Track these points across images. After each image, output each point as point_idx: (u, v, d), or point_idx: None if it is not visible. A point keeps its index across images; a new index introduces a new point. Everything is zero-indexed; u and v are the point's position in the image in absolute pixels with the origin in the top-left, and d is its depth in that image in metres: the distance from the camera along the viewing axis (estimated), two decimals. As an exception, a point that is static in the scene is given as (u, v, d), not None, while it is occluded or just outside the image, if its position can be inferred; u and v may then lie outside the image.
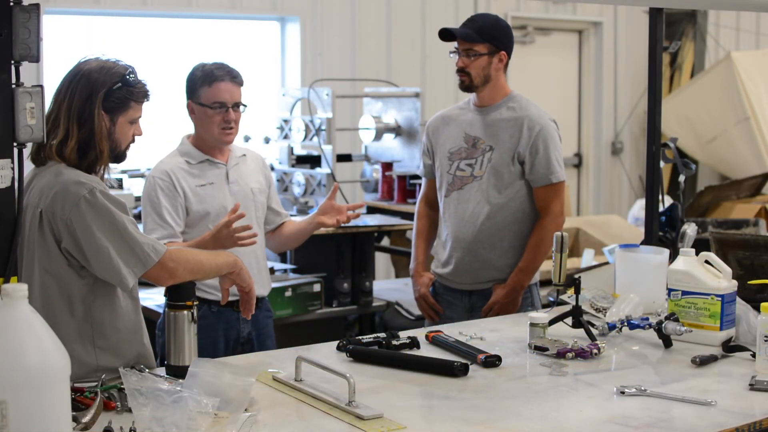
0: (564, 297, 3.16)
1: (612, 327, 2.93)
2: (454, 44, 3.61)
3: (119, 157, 2.65)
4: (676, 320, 2.85)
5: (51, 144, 2.51)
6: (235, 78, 3.49)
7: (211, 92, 3.45)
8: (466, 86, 3.62)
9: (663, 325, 2.84)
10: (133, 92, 2.59)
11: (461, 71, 3.60)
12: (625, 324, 2.92)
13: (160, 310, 3.82)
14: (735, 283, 2.92)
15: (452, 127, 3.71)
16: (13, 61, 2.09)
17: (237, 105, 3.48)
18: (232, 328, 3.56)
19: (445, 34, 3.60)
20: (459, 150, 3.67)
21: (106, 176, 2.66)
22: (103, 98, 2.53)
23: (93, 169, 2.57)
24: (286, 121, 5.47)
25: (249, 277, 2.70)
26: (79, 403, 2.16)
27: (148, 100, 2.65)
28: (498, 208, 3.60)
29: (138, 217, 4.81)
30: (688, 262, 2.95)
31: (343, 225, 3.50)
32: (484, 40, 3.56)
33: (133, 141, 2.66)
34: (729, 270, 2.92)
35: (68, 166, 2.52)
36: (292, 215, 5.15)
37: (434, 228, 3.83)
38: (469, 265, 3.65)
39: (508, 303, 3.58)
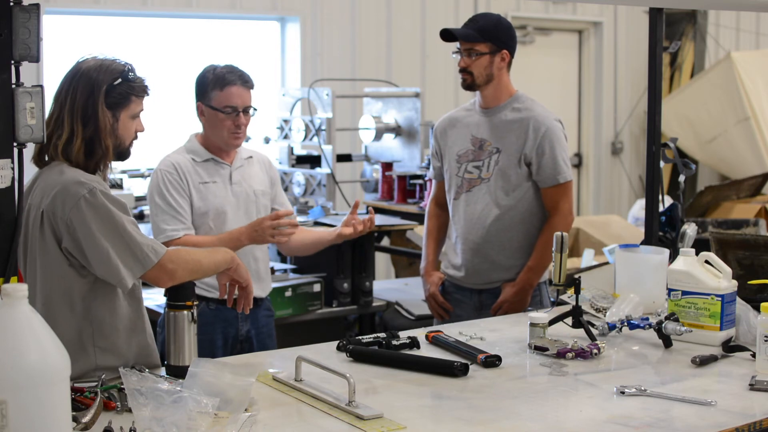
0: (564, 297, 3.16)
1: (612, 327, 2.93)
2: (456, 44, 3.61)
3: (124, 153, 2.66)
4: (676, 320, 2.85)
5: (56, 145, 2.52)
6: (246, 82, 3.50)
7: (223, 96, 3.45)
8: (468, 85, 3.62)
9: (663, 325, 2.84)
10: (134, 87, 2.60)
11: (463, 71, 3.60)
12: (625, 324, 2.92)
13: (161, 310, 3.82)
14: (735, 283, 2.92)
15: (459, 129, 3.72)
16: (13, 61, 2.09)
17: (247, 109, 3.49)
18: (231, 326, 3.56)
19: (446, 35, 3.60)
20: (466, 152, 3.67)
21: (109, 176, 2.66)
22: (105, 94, 2.54)
23: (99, 168, 2.58)
24: (286, 121, 5.47)
25: (246, 273, 2.71)
26: (79, 403, 2.16)
27: (148, 95, 2.66)
28: (506, 209, 3.60)
29: (139, 216, 4.82)
30: (688, 262, 2.95)
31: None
32: (485, 39, 3.56)
33: (135, 137, 2.67)
34: (729, 270, 2.91)
35: (74, 166, 2.52)
36: (292, 215, 5.15)
37: (444, 228, 3.84)
38: (478, 266, 3.66)
39: (518, 302, 3.59)
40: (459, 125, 3.73)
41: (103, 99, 2.54)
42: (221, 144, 3.51)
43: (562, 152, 3.60)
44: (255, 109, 3.53)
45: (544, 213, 3.63)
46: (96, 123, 2.53)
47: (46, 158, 2.56)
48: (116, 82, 2.55)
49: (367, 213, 3.57)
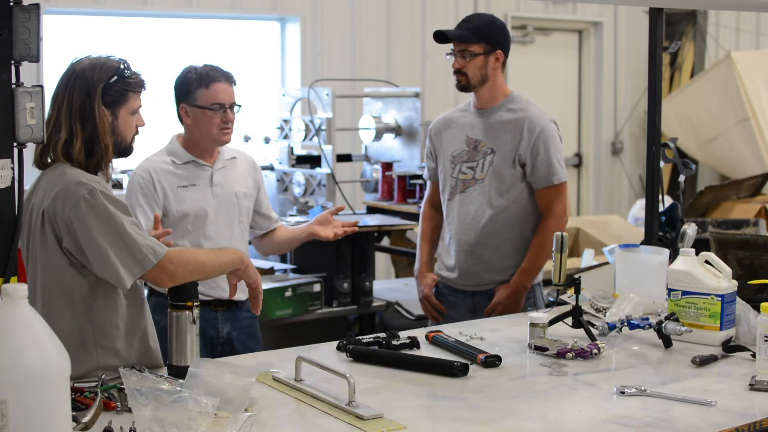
0: (564, 297, 3.16)
1: (612, 327, 2.93)
2: (451, 46, 3.61)
3: (126, 150, 2.66)
4: (676, 320, 2.85)
5: (56, 146, 2.52)
6: (229, 78, 3.49)
7: (209, 94, 3.44)
8: (463, 86, 3.62)
9: (663, 325, 2.84)
10: (130, 83, 2.60)
11: (458, 72, 3.60)
12: (625, 324, 2.92)
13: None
14: (735, 283, 2.92)
15: (454, 129, 3.71)
16: (13, 61, 2.09)
17: (233, 105, 3.48)
18: (211, 327, 3.54)
19: (440, 36, 3.59)
20: (461, 153, 3.67)
21: (112, 176, 2.66)
22: (102, 93, 2.54)
23: (101, 167, 2.58)
24: (286, 121, 5.47)
25: (255, 274, 2.70)
26: (79, 403, 2.16)
27: (145, 89, 2.66)
28: (500, 210, 3.60)
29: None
30: (688, 262, 2.95)
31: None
32: (479, 39, 3.56)
33: (137, 132, 2.67)
34: (729, 270, 2.92)
35: (75, 166, 2.52)
36: (291, 215, 5.17)
37: (438, 230, 3.84)
38: (472, 267, 3.65)
39: (511, 303, 3.58)
40: (454, 126, 3.72)
41: (100, 98, 2.54)
42: (211, 142, 3.48)
43: (557, 153, 3.59)
44: (239, 106, 3.52)
45: (538, 214, 3.62)
46: (94, 122, 2.53)
47: (48, 160, 2.57)
48: (112, 80, 2.56)
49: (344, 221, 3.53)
